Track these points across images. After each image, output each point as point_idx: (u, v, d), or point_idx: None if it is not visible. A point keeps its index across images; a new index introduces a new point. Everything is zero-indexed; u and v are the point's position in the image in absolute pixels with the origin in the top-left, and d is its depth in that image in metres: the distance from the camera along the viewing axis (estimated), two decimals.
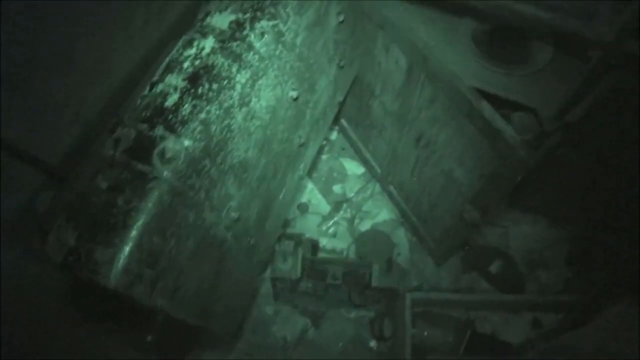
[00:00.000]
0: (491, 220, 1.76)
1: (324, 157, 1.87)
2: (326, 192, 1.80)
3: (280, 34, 1.12)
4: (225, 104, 1.03)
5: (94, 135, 1.35)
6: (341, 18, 1.34)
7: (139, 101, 1.04)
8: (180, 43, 1.10)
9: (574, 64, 1.55)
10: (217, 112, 1.02)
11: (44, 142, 1.25)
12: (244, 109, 1.07)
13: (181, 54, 1.07)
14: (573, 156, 1.62)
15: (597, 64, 1.45)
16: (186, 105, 1.00)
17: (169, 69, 1.06)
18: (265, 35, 1.09)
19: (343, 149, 1.89)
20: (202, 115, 1.00)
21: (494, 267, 1.70)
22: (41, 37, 1.13)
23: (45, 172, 1.31)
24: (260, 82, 1.08)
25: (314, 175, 1.83)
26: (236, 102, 1.05)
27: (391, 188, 1.73)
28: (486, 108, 1.27)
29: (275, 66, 1.11)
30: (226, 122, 1.04)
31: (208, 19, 1.10)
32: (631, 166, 1.62)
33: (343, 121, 1.87)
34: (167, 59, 1.08)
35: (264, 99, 1.10)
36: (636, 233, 1.64)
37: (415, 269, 1.66)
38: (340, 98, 1.53)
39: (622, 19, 1.37)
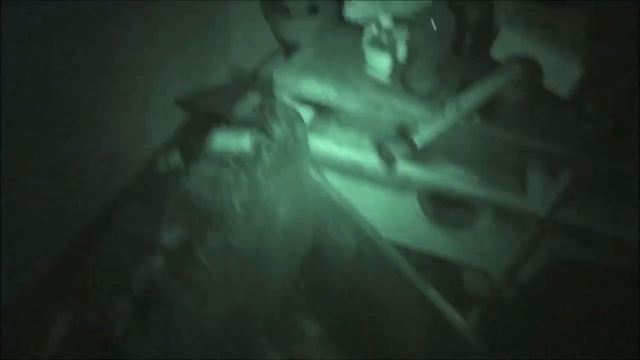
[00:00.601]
0: None
1: (280, 315, 1.86)
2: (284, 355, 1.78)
3: (229, 248, 1.15)
4: (173, 327, 1.04)
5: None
6: (290, 209, 1.39)
7: (83, 323, 1.03)
8: (132, 265, 1.11)
9: (516, 226, 1.61)
10: (165, 339, 1.02)
11: None
12: (192, 329, 1.07)
13: (131, 274, 1.08)
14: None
15: (534, 234, 1.53)
16: (134, 335, 1.00)
17: (116, 291, 1.06)
18: (215, 253, 1.12)
19: (300, 308, 1.88)
20: (150, 344, 1.00)
21: None
22: None
23: None
24: (208, 299, 1.10)
25: (271, 334, 1.80)
26: (184, 324, 1.05)
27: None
28: (435, 298, 1.30)
29: (223, 280, 1.13)
30: (173, 345, 1.04)
31: (158, 235, 1.13)
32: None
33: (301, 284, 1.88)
34: (116, 281, 1.09)
35: (211, 314, 1.11)
36: None
37: None
38: (293, 271, 1.55)
39: (554, 194, 1.46)
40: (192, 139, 2.18)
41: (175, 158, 2.13)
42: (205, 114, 2.14)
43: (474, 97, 1.32)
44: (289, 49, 2.16)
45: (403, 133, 1.32)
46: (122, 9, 1.78)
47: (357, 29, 1.52)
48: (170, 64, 2.12)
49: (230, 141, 1.19)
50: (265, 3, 2.15)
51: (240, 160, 1.21)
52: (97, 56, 1.72)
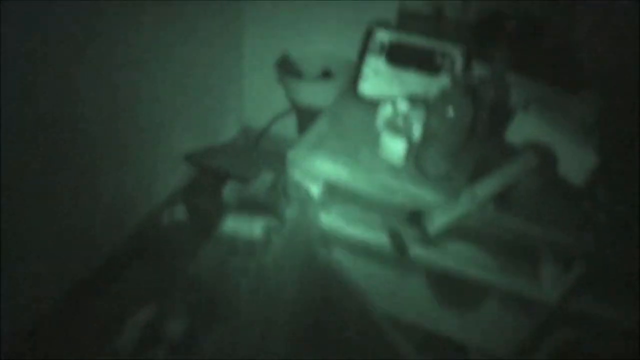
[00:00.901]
0: None
1: None
2: None
3: (234, 335, 1.11)
4: None
5: None
6: (297, 285, 1.36)
7: None
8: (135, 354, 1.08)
9: (525, 312, 1.58)
10: None
11: None
12: None
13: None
14: None
15: (544, 321, 1.49)
16: None
17: None
18: (220, 342, 1.08)
19: None
20: None
21: None
22: None
23: None
24: None
25: None
26: None
27: None
28: None
29: None
30: None
31: (163, 324, 1.10)
32: None
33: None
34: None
35: None
36: None
37: None
38: (296, 339, 1.51)
39: (566, 283, 1.43)
40: (197, 195, 2.17)
41: (180, 213, 2.11)
42: (212, 171, 2.13)
43: (489, 186, 1.30)
44: (300, 111, 2.16)
45: (416, 219, 1.30)
46: (137, 65, 1.78)
47: (373, 103, 1.52)
48: (182, 120, 2.12)
49: (241, 227, 1.17)
50: (279, 65, 2.16)
51: (249, 246, 1.18)
52: (110, 108, 1.72)
